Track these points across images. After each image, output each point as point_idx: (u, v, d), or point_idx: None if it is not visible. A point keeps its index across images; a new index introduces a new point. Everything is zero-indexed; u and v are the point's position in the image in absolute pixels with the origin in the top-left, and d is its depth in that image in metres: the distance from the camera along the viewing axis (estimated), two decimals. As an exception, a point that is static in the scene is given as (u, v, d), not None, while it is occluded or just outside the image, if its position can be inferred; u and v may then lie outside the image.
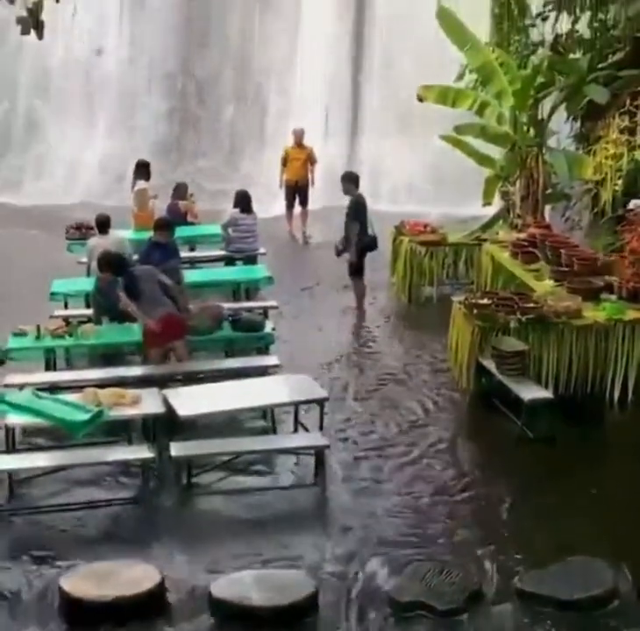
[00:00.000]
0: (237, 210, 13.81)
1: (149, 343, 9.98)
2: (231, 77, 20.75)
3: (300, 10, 20.05)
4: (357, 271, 12.76)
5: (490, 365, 9.76)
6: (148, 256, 10.76)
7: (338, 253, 12.85)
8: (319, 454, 8.49)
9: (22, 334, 10.38)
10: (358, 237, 12.47)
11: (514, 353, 9.63)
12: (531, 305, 10.12)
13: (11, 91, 20.96)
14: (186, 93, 20.80)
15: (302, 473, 8.60)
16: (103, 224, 12.10)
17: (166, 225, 11.23)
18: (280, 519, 7.94)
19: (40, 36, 6.75)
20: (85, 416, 8.23)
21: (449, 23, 14.32)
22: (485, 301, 10.28)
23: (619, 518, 7.87)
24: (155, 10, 20.28)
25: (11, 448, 8.67)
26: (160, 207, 14.78)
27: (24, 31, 6.73)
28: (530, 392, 9.29)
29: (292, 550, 7.40)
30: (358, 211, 12.51)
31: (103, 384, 9.09)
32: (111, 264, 10.26)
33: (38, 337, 10.30)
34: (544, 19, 14.47)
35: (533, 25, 14.79)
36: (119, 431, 8.92)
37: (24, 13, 6.68)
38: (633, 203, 11.22)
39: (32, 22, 6.71)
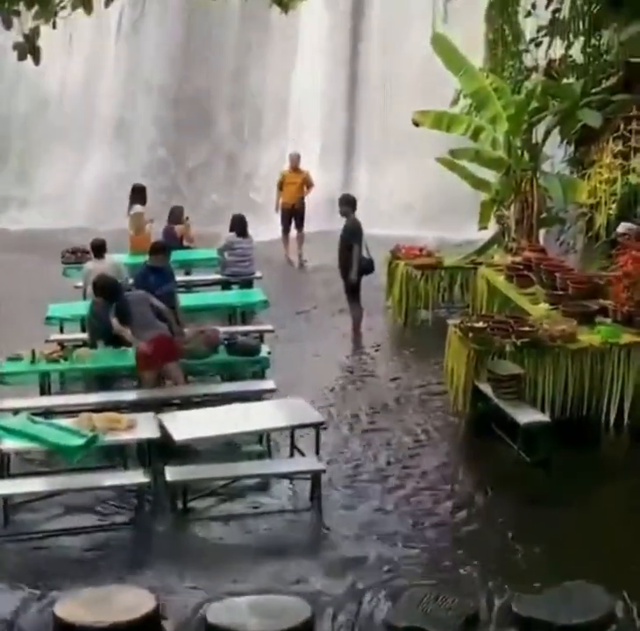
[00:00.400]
0: (233, 234, 13.85)
1: (142, 366, 9.97)
2: (227, 101, 20.85)
3: (296, 36, 20.15)
4: (354, 293, 12.78)
5: (486, 388, 9.75)
6: (144, 280, 10.76)
7: (344, 277, 12.79)
8: (315, 478, 8.46)
9: (17, 358, 10.36)
10: (357, 259, 12.50)
11: (510, 377, 9.63)
12: (527, 329, 10.12)
13: (6, 116, 21.03)
14: (182, 117, 20.87)
15: (298, 498, 8.58)
16: (99, 248, 12.13)
17: (161, 249, 11.24)
18: (276, 544, 7.91)
19: (37, 61, 6.78)
20: (80, 441, 8.21)
21: (444, 49, 14.42)
22: (480, 324, 10.28)
23: (617, 542, 7.84)
24: (151, 36, 20.38)
25: (6, 473, 8.65)
26: (155, 231, 14.80)
27: (21, 57, 6.76)
28: (527, 415, 9.28)
29: (288, 576, 7.36)
30: (354, 234, 12.54)
31: (98, 408, 9.07)
32: (104, 289, 10.31)
33: (33, 362, 10.29)
34: (538, 45, 14.56)
35: (527, 51, 14.88)
36: (114, 456, 8.90)
37: (21, 39, 6.71)
38: (622, 226, 11.25)
39: (29, 47, 6.73)
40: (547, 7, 13.99)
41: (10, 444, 8.51)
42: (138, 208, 14.74)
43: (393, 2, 19.39)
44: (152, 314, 9.96)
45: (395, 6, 19.38)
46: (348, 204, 12.79)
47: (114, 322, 10.06)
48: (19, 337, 11.35)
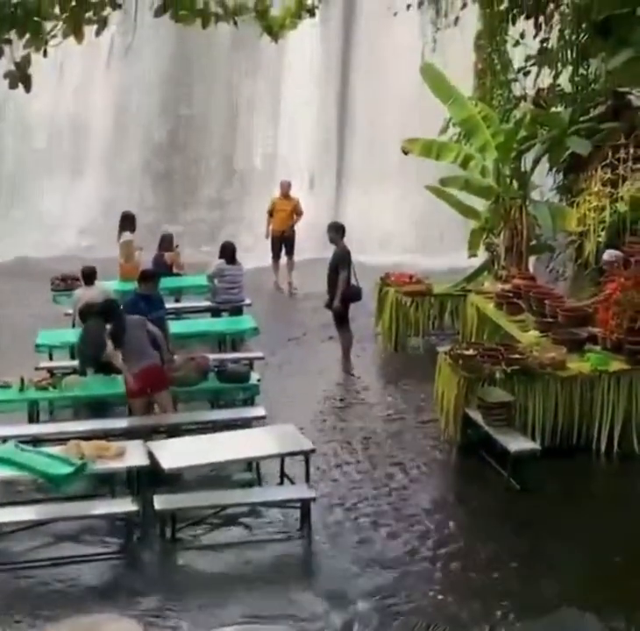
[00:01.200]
0: (222, 261, 13.85)
1: (131, 395, 9.95)
2: (217, 130, 20.95)
3: (285, 63, 20.29)
4: (342, 320, 12.78)
5: (476, 415, 9.75)
6: (134, 307, 10.73)
7: (328, 305, 12.83)
8: (305, 507, 8.43)
9: (6, 386, 10.31)
10: (344, 287, 12.50)
11: (500, 404, 9.63)
12: (516, 356, 10.14)
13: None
14: (171, 146, 20.95)
15: (287, 526, 8.53)
16: (89, 276, 12.13)
17: (150, 277, 11.22)
18: (265, 573, 7.86)
19: (28, 89, 6.79)
20: (68, 469, 8.16)
21: (433, 78, 14.51)
22: (470, 351, 10.29)
23: (607, 570, 7.82)
24: (141, 63, 20.46)
25: (-6, 501, 8.59)
26: (145, 258, 14.80)
27: (12, 86, 6.77)
28: (517, 443, 9.28)
29: (277, 605, 7.31)
30: (343, 260, 12.55)
31: (86, 436, 9.03)
32: (102, 309, 10.24)
33: (22, 389, 10.24)
34: (526, 74, 14.66)
35: (515, 80, 14.98)
36: (103, 484, 8.84)
37: (12, 67, 6.72)
38: (608, 254, 11.28)
39: (20, 76, 6.75)
40: (535, 36, 14.11)
41: (-2, 472, 8.45)
42: (127, 235, 14.74)
43: (382, 31, 19.55)
44: (147, 340, 9.94)
45: (385, 35, 19.55)
46: (336, 231, 12.82)
47: (109, 344, 10.03)
48: (8, 365, 11.30)
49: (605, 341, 10.49)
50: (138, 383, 9.77)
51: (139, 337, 9.90)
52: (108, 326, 10.09)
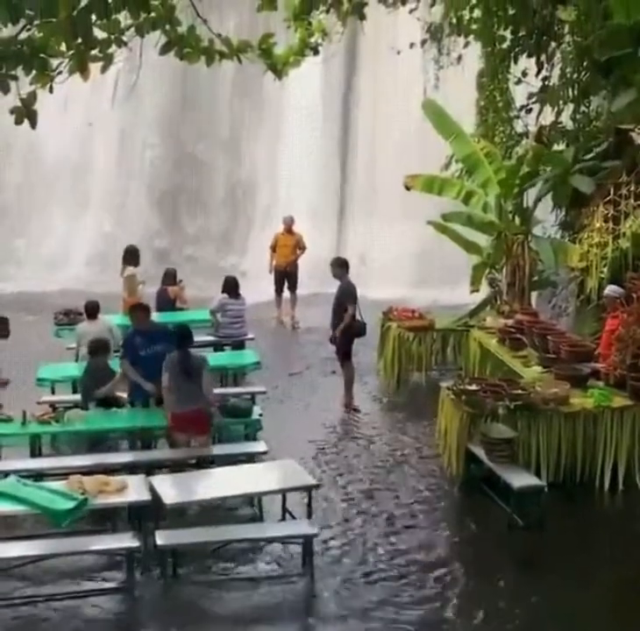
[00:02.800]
0: (225, 296, 13.88)
1: (174, 430, 9.90)
2: (220, 165, 21.08)
3: (288, 99, 20.44)
4: (345, 355, 12.76)
5: (479, 451, 9.71)
6: (130, 342, 10.67)
7: (333, 340, 12.81)
8: (307, 543, 8.37)
9: (8, 420, 10.29)
10: (349, 321, 12.47)
11: (503, 440, 9.59)
12: (519, 391, 10.12)
13: (1, 178, 21.19)
14: (174, 182, 21.08)
15: (289, 563, 8.47)
16: (93, 310, 12.15)
17: (136, 310, 11.00)
18: (266, 610, 7.80)
19: (34, 125, 6.83)
20: (69, 505, 8.12)
21: (435, 114, 14.62)
22: (473, 387, 10.27)
23: (612, 610, 7.76)
24: (145, 101, 20.63)
25: (-6, 536, 8.54)
26: (148, 293, 14.82)
27: (18, 121, 6.81)
28: (520, 479, 9.23)
29: (279, 643, 7.26)
30: (350, 296, 12.54)
31: (88, 471, 8.99)
32: (180, 334, 10.02)
33: (23, 423, 10.21)
34: (528, 111, 14.76)
35: (517, 117, 15.08)
36: (104, 519, 8.80)
37: (18, 103, 6.77)
38: (609, 289, 11.29)
39: (26, 112, 6.79)
40: (537, 75, 14.22)
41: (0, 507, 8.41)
42: (130, 269, 14.77)
43: (384, 68, 19.73)
44: (198, 384, 9.72)
45: (387, 72, 19.72)
46: (340, 267, 12.82)
47: (165, 377, 9.79)
48: (10, 399, 11.28)
49: (608, 377, 10.48)
50: (175, 424, 9.76)
51: (199, 378, 9.74)
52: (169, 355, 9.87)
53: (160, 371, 10.02)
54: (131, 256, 15.06)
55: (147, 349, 10.47)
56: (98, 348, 10.94)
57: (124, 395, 10.88)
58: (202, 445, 9.90)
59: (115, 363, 10.95)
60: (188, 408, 9.70)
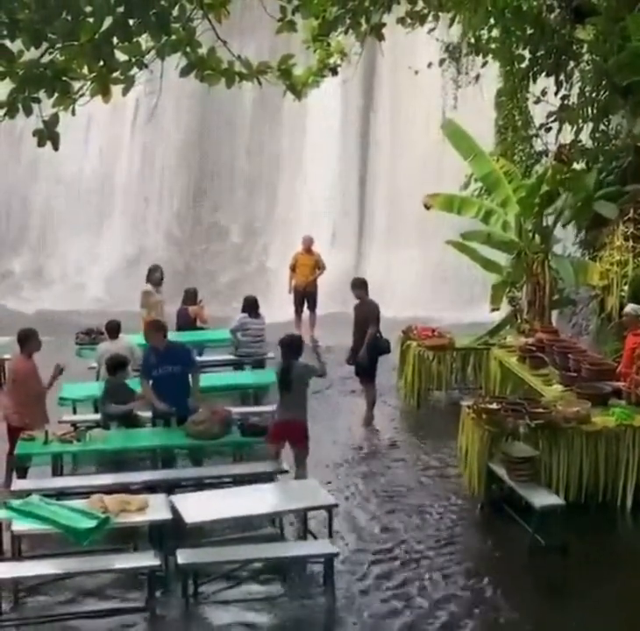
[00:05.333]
0: (245, 315, 13.93)
1: (270, 439, 10.04)
2: (240, 187, 21.20)
3: (308, 120, 20.55)
4: (369, 374, 12.76)
5: (500, 470, 9.68)
6: (146, 360, 10.68)
7: (349, 360, 12.83)
8: (328, 563, 8.36)
9: (30, 439, 10.34)
10: (374, 340, 12.48)
11: (524, 459, 9.56)
12: (540, 410, 10.08)
13: (24, 198, 21.39)
14: (195, 202, 21.21)
15: (310, 582, 8.45)
16: (114, 330, 12.21)
17: (150, 328, 11.00)
18: (287, 629, 7.78)
19: (56, 147, 6.89)
20: (91, 523, 8.15)
21: (454, 133, 14.67)
22: (494, 406, 10.24)
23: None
24: (166, 122, 20.80)
25: (17, 555, 8.56)
26: (168, 312, 14.87)
27: (41, 143, 6.87)
28: (542, 498, 9.18)
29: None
30: (373, 316, 12.55)
31: (110, 490, 9.03)
32: (284, 343, 10.05)
33: (45, 443, 10.26)
34: (548, 130, 14.76)
35: (536, 136, 15.10)
36: (126, 538, 8.82)
37: (40, 125, 6.84)
38: (629, 307, 11.24)
39: (48, 134, 6.86)
40: (556, 94, 14.24)
41: (22, 526, 8.43)
42: (147, 286, 14.73)
43: (403, 87, 19.81)
44: (304, 394, 9.96)
45: (405, 92, 19.80)
46: (361, 287, 12.84)
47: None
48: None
49: (629, 395, 10.44)
50: (272, 433, 9.94)
51: (302, 391, 9.95)
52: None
53: (173, 390, 10.17)
54: (155, 275, 14.96)
55: (160, 368, 10.46)
56: (116, 366, 10.99)
57: (147, 414, 10.93)
58: (297, 456, 9.95)
59: (135, 382, 11.00)
60: (283, 418, 9.88)
